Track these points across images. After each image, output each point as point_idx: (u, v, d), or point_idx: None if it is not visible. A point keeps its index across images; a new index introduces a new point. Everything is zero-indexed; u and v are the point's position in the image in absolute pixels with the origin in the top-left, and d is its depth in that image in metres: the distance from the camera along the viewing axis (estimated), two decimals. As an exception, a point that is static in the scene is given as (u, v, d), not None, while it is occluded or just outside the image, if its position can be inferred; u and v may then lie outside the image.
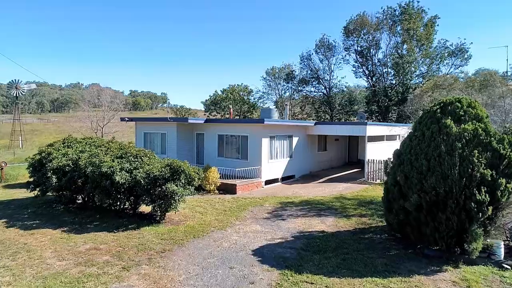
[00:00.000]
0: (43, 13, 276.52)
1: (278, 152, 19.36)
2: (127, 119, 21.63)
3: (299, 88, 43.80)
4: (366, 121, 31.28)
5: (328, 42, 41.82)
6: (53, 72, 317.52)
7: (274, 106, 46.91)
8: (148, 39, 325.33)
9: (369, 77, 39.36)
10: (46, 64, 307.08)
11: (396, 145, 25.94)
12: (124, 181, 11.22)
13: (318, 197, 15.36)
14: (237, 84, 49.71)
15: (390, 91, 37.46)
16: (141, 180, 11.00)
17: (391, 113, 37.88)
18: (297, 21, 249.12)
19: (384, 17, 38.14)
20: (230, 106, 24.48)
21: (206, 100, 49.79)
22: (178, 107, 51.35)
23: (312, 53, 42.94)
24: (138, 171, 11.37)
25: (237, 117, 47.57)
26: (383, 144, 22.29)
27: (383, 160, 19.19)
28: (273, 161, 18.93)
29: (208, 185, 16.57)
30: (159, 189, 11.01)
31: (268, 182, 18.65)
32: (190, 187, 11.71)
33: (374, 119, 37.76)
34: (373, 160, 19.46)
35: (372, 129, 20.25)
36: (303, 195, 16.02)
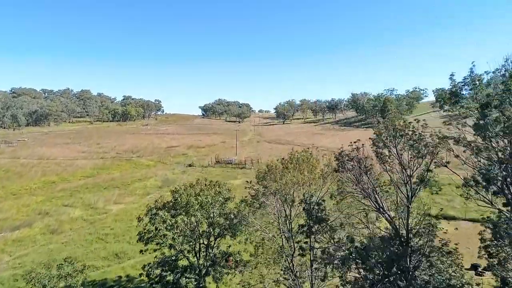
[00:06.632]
0: (42, 13, 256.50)
1: None
2: None
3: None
4: None
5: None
6: (47, 76, 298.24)
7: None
8: (147, 40, 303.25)
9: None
10: (40, 69, 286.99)
11: None
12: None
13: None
14: (208, 183, 24.18)
15: None
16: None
17: None
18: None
19: None
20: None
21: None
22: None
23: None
24: None
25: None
26: None
27: None
28: None
29: None
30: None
31: None
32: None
33: None
34: None
35: None
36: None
